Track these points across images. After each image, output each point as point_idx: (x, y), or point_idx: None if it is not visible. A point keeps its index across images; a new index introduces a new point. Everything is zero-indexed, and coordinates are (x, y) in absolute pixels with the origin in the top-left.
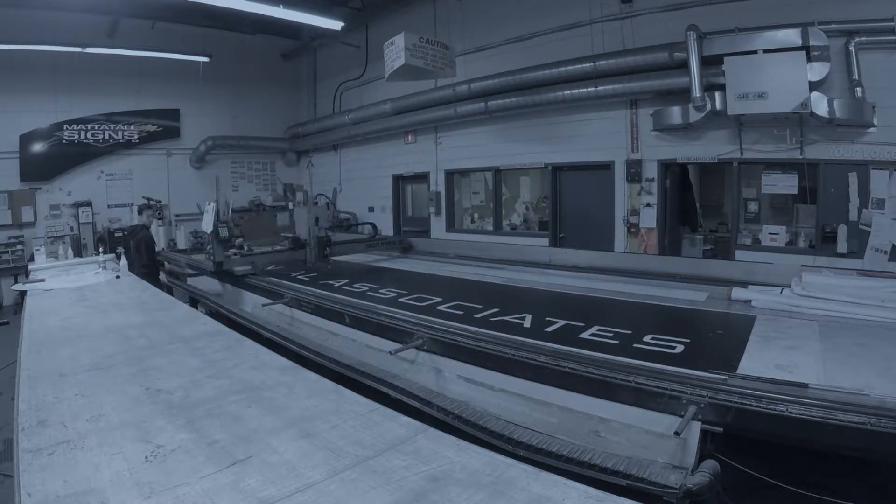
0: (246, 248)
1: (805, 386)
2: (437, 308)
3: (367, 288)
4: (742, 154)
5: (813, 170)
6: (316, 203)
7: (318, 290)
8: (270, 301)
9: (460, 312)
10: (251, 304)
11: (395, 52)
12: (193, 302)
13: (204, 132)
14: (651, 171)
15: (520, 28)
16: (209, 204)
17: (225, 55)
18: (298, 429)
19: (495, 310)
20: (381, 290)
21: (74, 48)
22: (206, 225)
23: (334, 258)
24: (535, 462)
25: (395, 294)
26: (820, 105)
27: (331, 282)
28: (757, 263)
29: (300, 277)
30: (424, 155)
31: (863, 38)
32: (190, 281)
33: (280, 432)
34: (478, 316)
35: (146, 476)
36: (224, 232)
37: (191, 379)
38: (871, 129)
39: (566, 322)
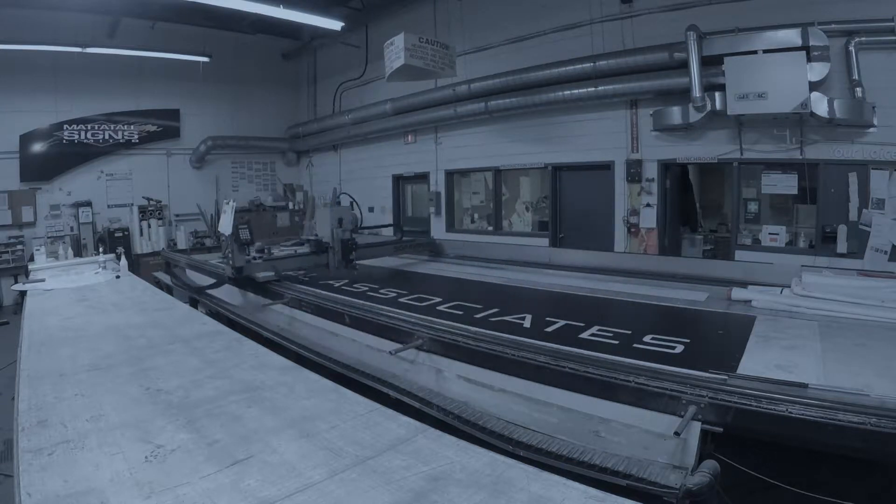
0: (266, 251)
1: (805, 386)
2: (438, 308)
3: (395, 294)
4: (742, 154)
5: (813, 170)
6: (339, 202)
7: (319, 291)
8: (270, 301)
9: (460, 312)
10: (276, 316)
11: (395, 52)
12: (193, 302)
13: (204, 132)
14: (651, 171)
15: (520, 28)
16: (227, 202)
17: (225, 55)
18: (298, 429)
19: (495, 310)
20: (380, 291)
21: (74, 48)
22: (225, 226)
23: (359, 262)
24: (535, 462)
25: (394, 294)
26: (820, 105)
27: (360, 288)
28: (757, 263)
29: (325, 283)
30: (424, 155)
31: (863, 38)
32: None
33: (280, 432)
34: (478, 316)
35: (146, 476)
36: (245, 234)
37: (191, 379)
38: (871, 129)
39: (566, 322)
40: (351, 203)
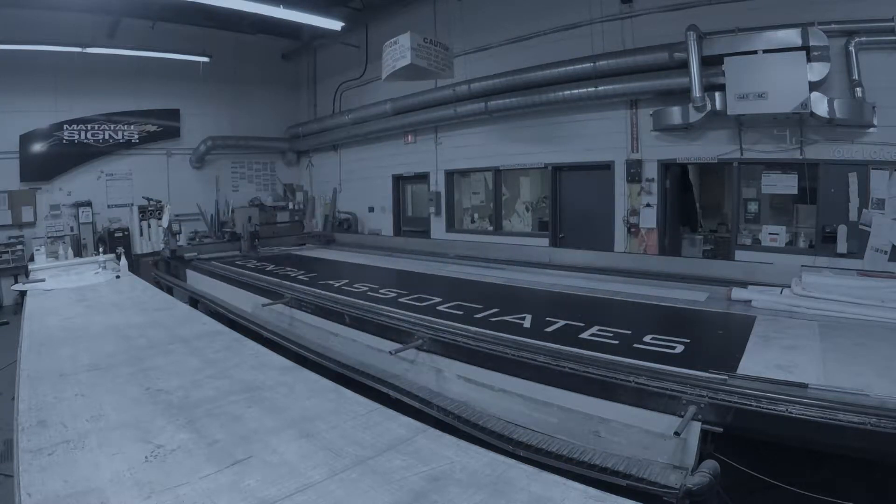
0: (197, 239)
1: (805, 386)
2: (437, 308)
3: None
4: (742, 154)
5: (813, 170)
6: (251, 205)
7: (319, 291)
8: (270, 301)
9: (460, 312)
10: (194, 278)
11: (399, 51)
12: (193, 302)
13: (204, 132)
14: (651, 171)
15: (520, 28)
16: (166, 206)
17: (225, 55)
18: (298, 429)
19: (495, 310)
20: (380, 291)
21: (74, 48)
22: (164, 222)
23: (268, 248)
24: (535, 462)
25: (394, 294)
26: (820, 105)
27: (262, 265)
28: (757, 263)
29: (235, 261)
30: (424, 155)
31: (863, 38)
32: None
33: (280, 432)
34: (478, 316)
35: (146, 476)
36: (176, 228)
37: (191, 379)
38: (871, 129)
39: (566, 322)
40: (259, 205)
